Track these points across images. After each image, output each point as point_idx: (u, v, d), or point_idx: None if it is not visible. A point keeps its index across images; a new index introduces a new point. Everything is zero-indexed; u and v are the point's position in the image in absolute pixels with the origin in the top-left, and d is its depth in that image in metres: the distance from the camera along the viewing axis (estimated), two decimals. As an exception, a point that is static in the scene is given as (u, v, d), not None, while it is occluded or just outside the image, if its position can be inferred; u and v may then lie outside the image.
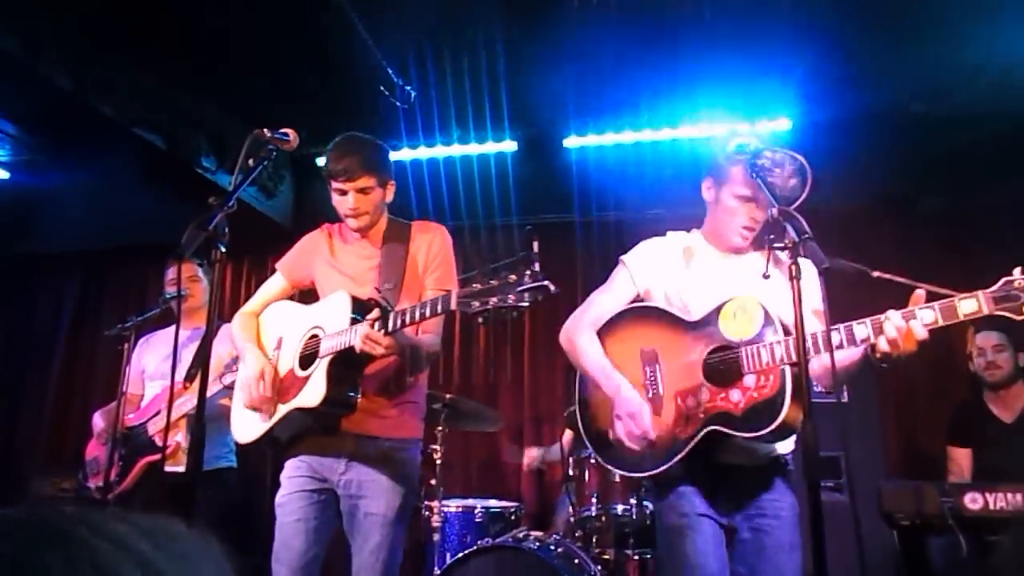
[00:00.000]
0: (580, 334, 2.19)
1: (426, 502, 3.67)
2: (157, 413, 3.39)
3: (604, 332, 2.18)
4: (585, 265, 5.19)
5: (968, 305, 1.69)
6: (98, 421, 3.69)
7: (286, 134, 2.11)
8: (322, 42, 3.81)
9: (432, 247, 2.42)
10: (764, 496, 2.00)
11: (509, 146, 4.80)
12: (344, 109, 4.22)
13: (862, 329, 1.75)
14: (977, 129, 4.12)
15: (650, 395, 2.02)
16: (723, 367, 1.94)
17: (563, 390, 5.10)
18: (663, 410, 1.99)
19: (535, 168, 4.87)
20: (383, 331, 2.05)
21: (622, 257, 2.26)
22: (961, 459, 3.68)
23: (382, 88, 4.05)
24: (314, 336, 2.29)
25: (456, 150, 4.85)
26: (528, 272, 1.76)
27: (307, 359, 2.27)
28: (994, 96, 3.90)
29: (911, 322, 1.69)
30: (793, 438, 1.94)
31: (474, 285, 1.83)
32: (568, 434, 4.44)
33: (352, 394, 2.21)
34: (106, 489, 3.39)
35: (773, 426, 1.77)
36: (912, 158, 4.45)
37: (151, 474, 3.42)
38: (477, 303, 1.81)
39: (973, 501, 2.70)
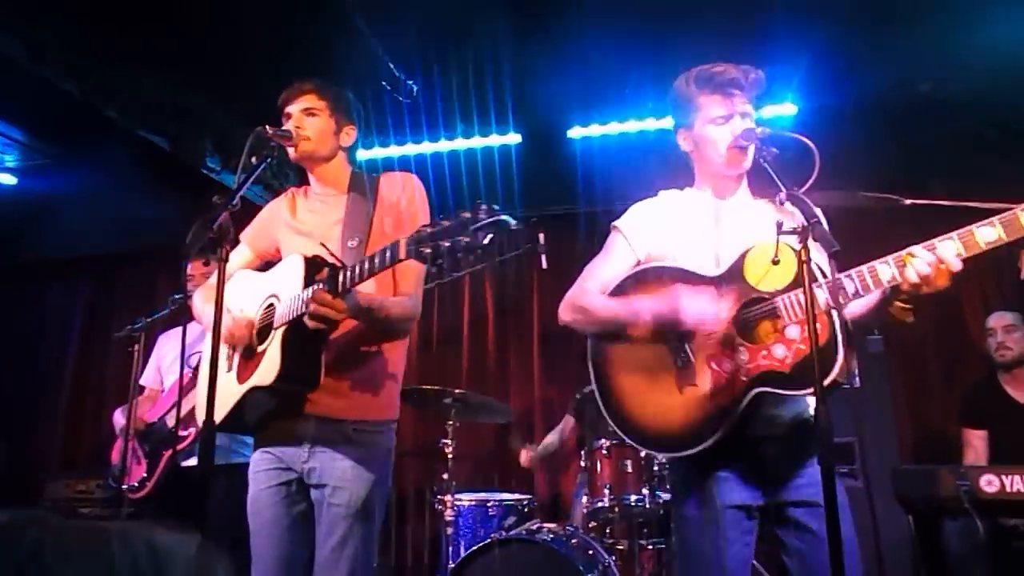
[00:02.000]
0: (585, 296, 1.96)
1: (439, 496, 3.68)
2: (175, 405, 3.40)
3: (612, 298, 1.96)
4: (590, 256, 5.17)
5: (986, 233, 1.53)
6: (119, 419, 3.72)
7: (287, 131, 2.10)
8: (324, 38, 3.79)
9: (401, 199, 2.16)
10: (802, 473, 1.80)
11: (513, 138, 4.78)
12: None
13: (886, 269, 1.58)
14: (985, 110, 4.07)
15: (680, 365, 1.81)
16: (758, 321, 1.75)
17: (574, 380, 5.10)
18: (698, 380, 1.78)
19: (539, 160, 4.85)
20: (332, 293, 1.81)
21: (615, 223, 2.06)
22: (977, 441, 3.65)
23: (385, 84, 4.04)
24: (270, 305, 2.04)
25: (460, 144, 4.84)
26: (483, 208, 1.53)
27: (263, 331, 2.03)
28: (1001, 77, 3.85)
29: (939, 251, 1.53)
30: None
31: (424, 228, 1.60)
32: (569, 420, 4.44)
33: (312, 369, 1.93)
34: (121, 489, 3.41)
35: (831, 377, 1.57)
36: (920, 140, 4.41)
37: (176, 468, 3.43)
38: (428, 248, 1.56)
39: (989, 484, 2.68)
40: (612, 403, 1.95)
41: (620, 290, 1.96)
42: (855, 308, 1.73)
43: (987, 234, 1.53)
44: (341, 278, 1.81)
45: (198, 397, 2.26)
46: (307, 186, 2.32)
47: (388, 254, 1.70)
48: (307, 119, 2.17)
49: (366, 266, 1.77)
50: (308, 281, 1.90)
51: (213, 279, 2.18)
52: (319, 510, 2.03)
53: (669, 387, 1.83)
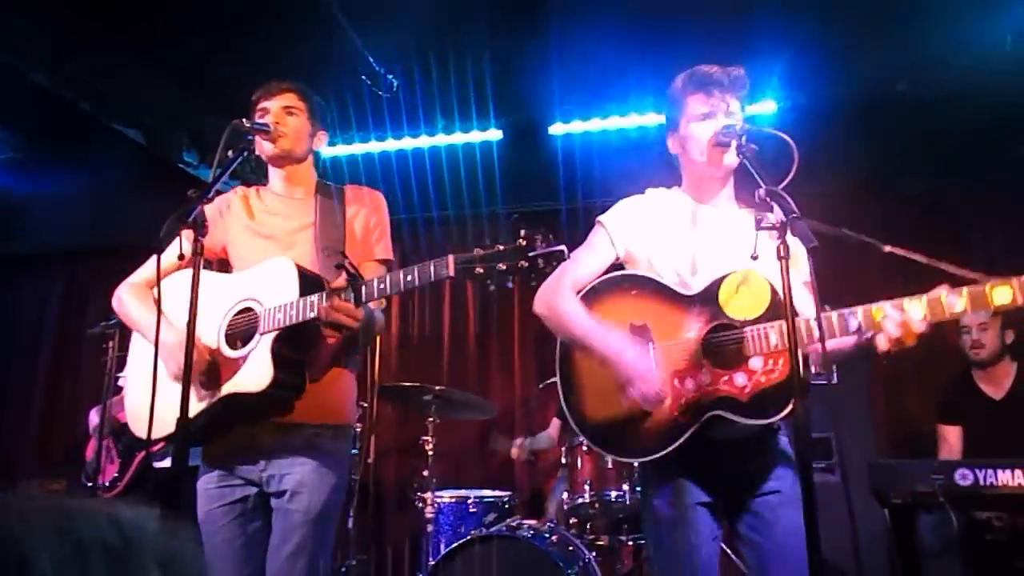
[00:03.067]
0: (560, 298, 1.94)
1: (419, 493, 3.67)
2: (152, 407, 3.36)
3: (586, 302, 1.95)
4: (571, 252, 5.18)
5: (1002, 294, 1.53)
6: (94, 418, 3.67)
7: (266, 124, 2.07)
8: (304, 31, 3.76)
9: (373, 214, 2.17)
10: (761, 470, 1.86)
11: (494, 135, 4.77)
12: (327, 99, 4.16)
13: (854, 320, 1.64)
14: (960, 109, 4.12)
15: (634, 402, 1.83)
16: (725, 348, 1.79)
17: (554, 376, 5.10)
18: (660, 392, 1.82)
19: (521, 156, 4.84)
20: (356, 302, 1.78)
21: (599, 217, 2.07)
22: (951, 436, 3.70)
23: (364, 78, 4.01)
24: (247, 310, 1.96)
25: (441, 139, 4.81)
26: (539, 237, 1.60)
27: (238, 336, 1.95)
28: (976, 76, 3.90)
29: (906, 316, 1.57)
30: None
31: (476, 250, 1.63)
32: (556, 422, 4.45)
33: (300, 376, 1.91)
34: (99, 486, 3.37)
35: (783, 414, 1.65)
36: (895, 139, 4.46)
37: (148, 470, 3.40)
38: (481, 269, 1.61)
39: (963, 477, 2.72)
40: (573, 402, 1.97)
41: (596, 292, 1.98)
42: (834, 344, 1.75)
43: (953, 303, 1.59)
44: (366, 288, 1.79)
45: (128, 410, 2.13)
46: (260, 186, 2.26)
47: (434, 271, 1.70)
48: (287, 117, 2.14)
49: (402, 281, 1.75)
50: (305, 289, 1.86)
51: (142, 273, 2.19)
52: (275, 517, 1.97)
53: (631, 396, 1.84)
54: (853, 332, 1.65)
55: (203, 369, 1.92)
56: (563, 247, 1.59)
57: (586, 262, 2.02)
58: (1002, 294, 1.54)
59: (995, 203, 4.57)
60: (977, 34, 3.79)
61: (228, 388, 1.90)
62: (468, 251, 1.64)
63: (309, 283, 1.89)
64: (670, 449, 1.79)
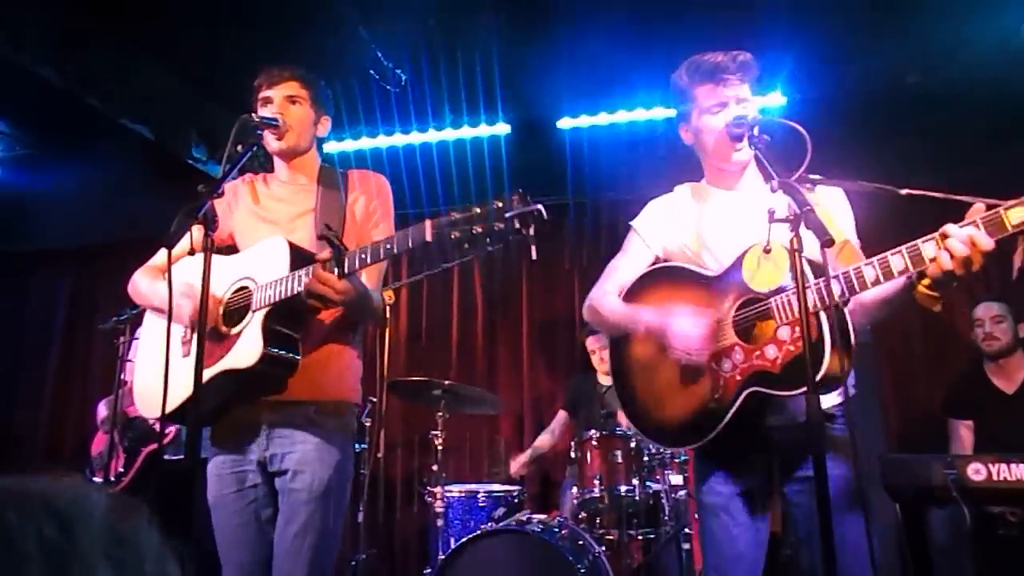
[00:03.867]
0: (603, 299, 2.04)
1: (428, 488, 3.68)
2: (164, 399, 3.38)
3: (627, 300, 2.02)
4: (579, 247, 5.18)
5: (1018, 213, 1.47)
6: (102, 411, 3.69)
7: (274, 119, 2.07)
8: (312, 26, 3.75)
9: (374, 195, 2.15)
10: (810, 456, 1.81)
11: (502, 129, 4.76)
12: (335, 93, 4.16)
13: (898, 260, 1.56)
14: (972, 101, 4.08)
15: (683, 363, 1.85)
16: (754, 322, 1.78)
17: (563, 371, 5.10)
18: (699, 377, 1.83)
19: (528, 151, 4.83)
20: (337, 272, 1.76)
21: (632, 223, 2.12)
22: (963, 431, 3.68)
23: (373, 72, 4.00)
24: (243, 288, 1.97)
25: (449, 134, 4.81)
26: (516, 197, 1.53)
27: (234, 314, 1.95)
28: (988, 68, 3.87)
29: (971, 233, 1.49)
30: (840, 390, 1.75)
31: (452, 213, 1.57)
32: (562, 414, 4.44)
33: (292, 352, 1.89)
34: (107, 482, 3.39)
35: (819, 375, 1.58)
36: (906, 131, 4.42)
37: (155, 464, 3.41)
38: (458, 232, 1.55)
39: (976, 472, 2.70)
40: (628, 400, 2.04)
41: (631, 293, 2.04)
42: (875, 294, 1.72)
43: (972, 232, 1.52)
44: (349, 258, 1.76)
45: (138, 388, 2.13)
46: (266, 173, 2.27)
47: (411, 238, 1.64)
48: (290, 107, 2.12)
49: (382, 249, 1.71)
50: (296, 264, 1.86)
51: (155, 260, 2.22)
52: (281, 497, 1.96)
53: (674, 384, 1.89)
54: (899, 273, 1.58)
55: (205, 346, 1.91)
56: (539, 206, 1.52)
57: (625, 268, 2.08)
58: (1018, 214, 1.48)
59: (1008, 195, 4.52)
60: (988, 25, 3.75)
61: (222, 364, 1.89)
62: (446, 213, 1.60)
63: (300, 259, 1.87)
64: (715, 433, 1.79)
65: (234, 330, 1.92)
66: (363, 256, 1.74)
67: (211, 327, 1.93)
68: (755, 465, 1.87)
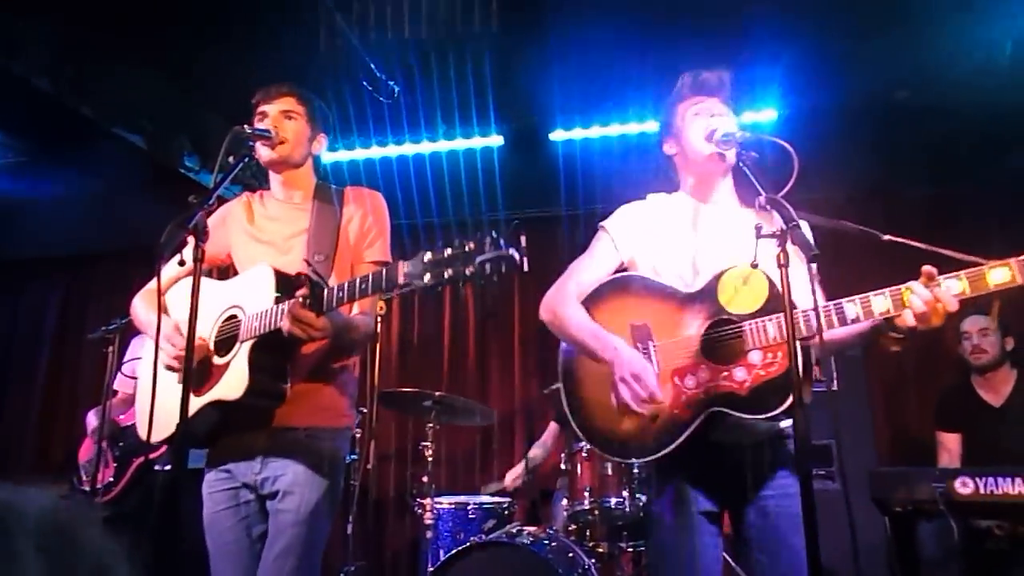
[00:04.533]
0: (564, 304, 1.99)
1: (419, 499, 3.66)
2: (151, 412, 3.37)
3: (588, 305, 1.98)
4: (571, 258, 5.18)
5: (1000, 274, 1.51)
6: (92, 420, 3.67)
7: (267, 130, 2.07)
8: (305, 37, 3.77)
9: (369, 215, 2.14)
10: (767, 475, 1.84)
11: (495, 140, 4.78)
12: (328, 104, 4.17)
13: (881, 301, 1.60)
14: (960, 116, 4.13)
15: (622, 403, 1.83)
16: (724, 343, 1.79)
17: (555, 382, 5.10)
18: (661, 391, 1.81)
19: (521, 162, 4.85)
20: (315, 310, 1.77)
21: (602, 223, 2.10)
22: (951, 444, 3.70)
23: (365, 83, 4.02)
24: (232, 317, 1.98)
25: (442, 145, 4.82)
26: (488, 241, 1.52)
27: (225, 343, 1.97)
28: (976, 83, 3.91)
29: (937, 291, 1.53)
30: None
31: (425, 256, 1.57)
32: (553, 427, 4.44)
33: (280, 383, 1.90)
34: (94, 491, 3.37)
35: (783, 407, 1.62)
36: (897, 146, 4.47)
37: (146, 474, 3.40)
38: (429, 276, 1.55)
39: (964, 486, 2.71)
40: (576, 405, 1.99)
41: (598, 295, 2.00)
42: (839, 332, 1.75)
43: (953, 286, 1.56)
44: (327, 296, 1.77)
45: (138, 411, 2.16)
46: (263, 191, 2.27)
47: (384, 279, 1.66)
48: (285, 121, 2.13)
49: (357, 289, 1.73)
50: (281, 295, 1.86)
51: (152, 284, 2.19)
52: (270, 519, 1.98)
53: (621, 399, 1.84)
54: (851, 321, 1.64)
55: (197, 374, 1.93)
56: (512, 252, 1.51)
57: (589, 268, 2.04)
58: (999, 274, 1.53)
59: (996, 210, 4.57)
60: (977, 41, 3.80)
61: (211, 395, 1.91)
62: (420, 252, 1.60)
63: (286, 287, 1.87)
64: (670, 448, 1.78)
65: (223, 360, 1.94)
66: (340, 294, 1.76)
67: (203, 356, 1.97)
68: (714, 483, 1.87)
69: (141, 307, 2.19)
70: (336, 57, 3.83)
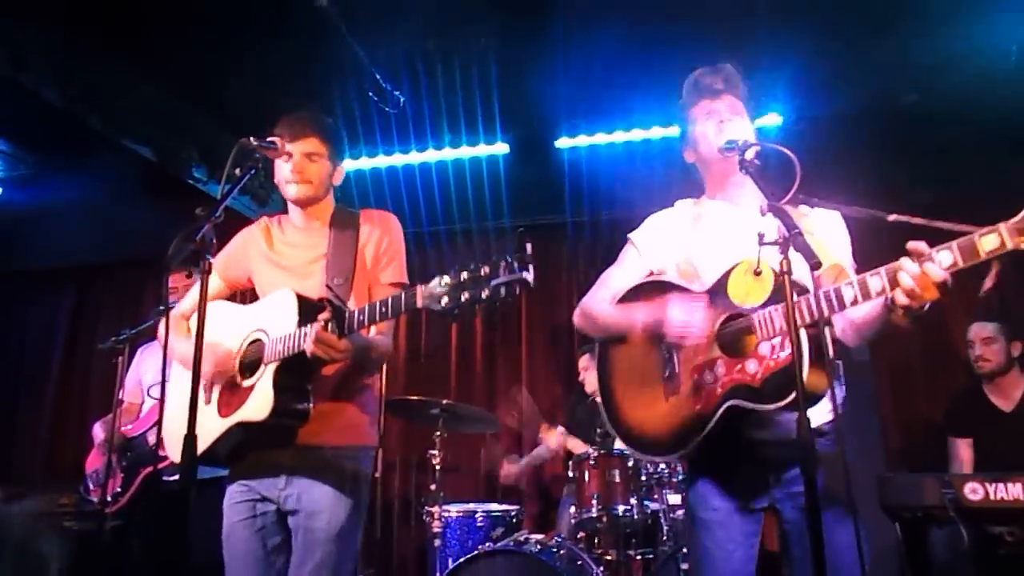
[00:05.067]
0: (597, 305, 2.08)
1: (426, 507, 3.66)
2: (157, 422, 3.38)
3: None
4: (577, 265, 5.19)
5: (990, 241, 1.50)
6: (98, 432, 3.69)
7: (273, 142, 2.09)
8: (311, 49, 3.80)
9: (384, 237, 2.21)
10: (798, 468, 1.79)
11: (501, 148, 4.80)
12: (334, 115, 4.21)
13: (876, 281, 1.59)
14: (966, 120, 4.12)
15: (667, 375, 1.90)
16: (736, 337, 1.82)
17: (562, 388, 5.10)
18: (682, 389, 1.87)
19: (527, 170, 4.86)
20: (337, 333, 1.85)
21: (630, 235, 2.15)
22: (962, 449, 3.68)
23: (371, 94, 4.04)
24: (256, 340, 2.05)
25: (448, 154, 4.84)
26: (503, 264, 1.58)
27: (249, 366, 2.04)
28: (982, 87, 3.90)
29: (926, 265, 1.53)
30: (826, 406, 1.74)
31: (443, 280, 1.64)
32: (560, 431, 4.42)
33: (303, 404, 1.98)
34: (104, 502, 3.38)
35: (793, 395, 1.60)
36: (903, 150, 4.46)
37: (153, 484, 3.41)
38: (447, 300, 1.62)
39: (974, 492, 2.69)
40: (610, 407, 2.06)
41: (624, 301, 2.05)
42: (863, 314, 1.77)
43: (944, 258, 1.54)
44: (348, 320, 1.84)
45: (166, 432, 2.21)
46: (282, 215, 2.32)
47: (404, 302, 1.74)
48: (309, 164, 2.18)
49: (377, 312, 1.80)
50: (303, 319, 1.92)
51: (182, 306, 2.31)
52: (296, 536, 2.03)
53: (657, 396, 1.92)
54: (850, 303, 1.62)
55: (222, 395, 2.05)
56: (527, 276, 1.57)
57: (619, 278, 2.10)
58: (989, 241, 1.51)
59: (1003, 214, 4.54)
60: (983, 46, 3.80)
61: (237, 416, 1.98)
62: (438, 276, 1.67)
63: (308, 311, 1.94)
64: (694, 444, 1.81)
65: (248, 382, 2.01)
66: (361, 318, 1.84)
67: (229, 379, 2.06)
68: (748, 480, 1.88)
69: (171, 331, 2.24)
70: (342, 68, 3.86)
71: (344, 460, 2.07)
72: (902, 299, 1.55)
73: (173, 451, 2.14)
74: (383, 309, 1.79)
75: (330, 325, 1.84)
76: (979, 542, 2.71)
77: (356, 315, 1.84)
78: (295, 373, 1.95)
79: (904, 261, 1.57)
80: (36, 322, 6.15)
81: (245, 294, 2.35)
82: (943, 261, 1.54)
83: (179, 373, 2.26)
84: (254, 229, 2.32)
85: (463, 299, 1.60)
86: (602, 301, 2.07)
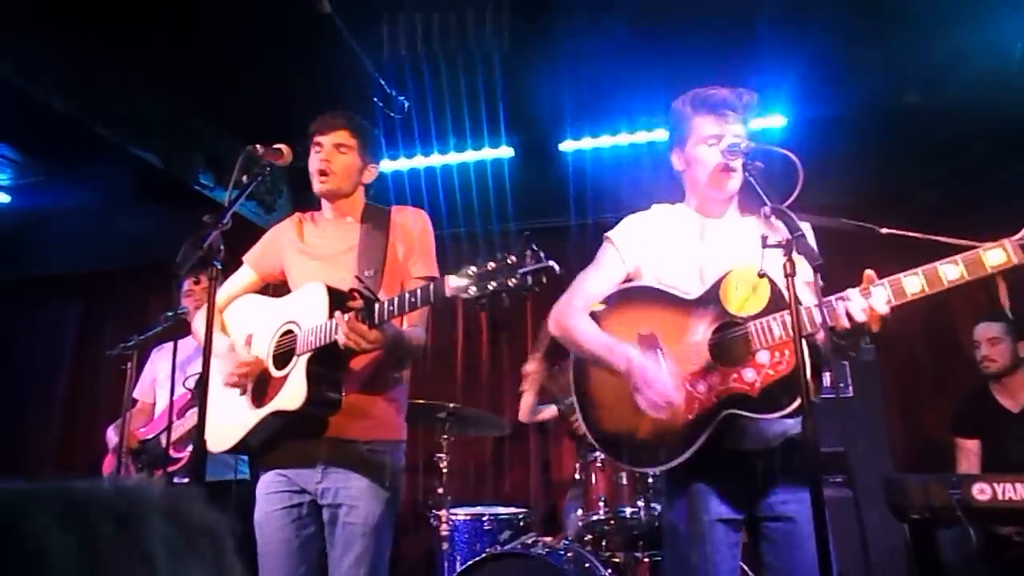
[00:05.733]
0: (573, 317, 2.01)
1: (434, 511, 3.67)
2: (170, 424, 3.40)
3: (596, 317, 2.01)
4: (582, 268, 5.18)
5: (996, 256, 1.52)
6: (112, 436, 3.71)
7: (279, 149, 2.11)
8: (316, 54, 3.82)
9: (414, 231, 2.25)
10: (783, 481, 1.83)
11: (505, 152, 4.81)
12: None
13: (881, 292, 1.61)
14: (970, 119, 4.11)
15: (644, 411, 1.83)
16: (731, 345, 1.80)
17: (568, 391, 5.09)
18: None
19: (532, 173, 4.87)
20: (368, 323, 1.88)
21: (607, 234, 2.11)
22: (969, 450, 3.66)
23: (376, 99, 4.06)
24: (288, 332, 2.10)
25: (453, 158, 4.86)
26: (529, 253, 1.62)
27: (282, 357, 2.09)
28: (986, 86, 3.90)
29: (869, 299, 1.56)
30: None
31: (470, 269, 1.67)
32: (552, 409, 4.36)
33: (335, 393, 2.03)
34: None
35: (795, 404, 1.61)
36: (906, 150, 4.45)
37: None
38: (475, 289, 1.65)
39: (981, 492, 2.69)
40: (591, 416, 1.99)
41: (608, 306, 2.02)
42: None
43: (951, 272, 1.55)
44: (378, 310, 1.87)
45: (210, 423, 2.25)
46: (315, 211, 2.38)
47: (433, 293, 1.77)
48: (337, 155, 2.23)
49: (407, 302, 1.84)
50: (334, 310, 1.96)
51: (218, 300, 2.29)
52: (332, 529, 2.07)
53: (641, 405, 1.85)
54: (886, 304, 1.63)
55: (255, 387, 2.10)
56: (552, 263, 1.62)
57: (596, 280, 2.05)
58: (995, 256, 1.53)
59: (1007, 214, 4.52)
60: (986, 44, 3.79)
61: (271, 406, 2.03)
62: (465, 267, 1.69)
63: (339, 302, 1.97)
64: (687, 455, 1.78)
65: (281, 373, 2.06)
66: (391, 308, 1.87)
67: (262, 371, 2.12)
68: (731, 491, 1.85)
69: (198, 328, 2.31)
70: (347, 74, 3.87)
71: (378, 455, 2.11)
72: (844, 323, 1.59)
73: (211, 442, 2.17)
74: (412, 299, 1.83)
75: (360, 315, 1.87)
76: (988, 543, 2.71)
77: (386, 305, 1.87)
78: (327, 363, 2.00)
79: (850, 292, 1.60)
80: (44, 328, 6.18)
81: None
82: (948, 274, 1.55)
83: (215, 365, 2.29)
84: (287, 223, 2.38)
85: (490, 288, 1.63)
86: (577, 312, 2.02)
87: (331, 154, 2.22)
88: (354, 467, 2.07)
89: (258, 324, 2.18)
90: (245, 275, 2.37)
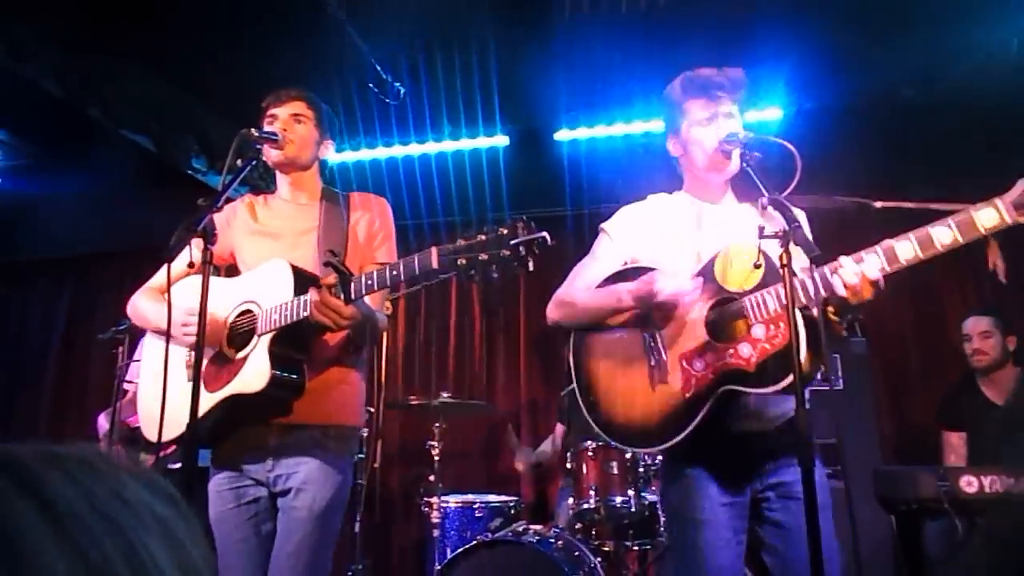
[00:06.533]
0: (572, 293, 2.02)
1: (425, 498, 3.68)
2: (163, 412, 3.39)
3: None
4: (576, 258, 5.18)
5: (988, 216, 1.47)
6: (103, 423, 3.69)
7: (274, 133, 2.09)
8: (311, 39, 3.79)
9: (376, 218, 2.19)
10: (784, 461, 1.81)
11: (500, 140, 4.79)
12: (334, 106, 4.19)
13: (873, 259, 1.62)
14: (967, 114, 4.12)
15: (653, 363, 1.85)
16: (727, 321, 1.79)
17: (560, 381, 5.11)
18: (669, 377, 1.82)
19: (527, 162, 4.86)
20: (343, 298, 1.79)
21: (602, 225, 2.10)
22: (956, 443, 3.69)
23: (371, 85, 4.04)
24: (246, 312, 2.00)
25: (447, 146, 4.84)
26: (520, 224, 1.57)
27: (239, 338, 1.98)
28: (983, 80, 3.90)
29: (861, 265, 1.56)
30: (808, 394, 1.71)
31: (458, 241, 1.61)
32: (560, 428, 4.46)
33: (299, 375, 1.93)
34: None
35: (791, 378, 1.58)
36: (902, 144, 4.46)
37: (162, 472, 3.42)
38: (464, 259, 1.59)
39: (968, 484, 2.71)
40: (589, 399, 1.98)
41: (602, 287, 2.00)
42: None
43: (943, 235, 1.53)
44: (355, 284, 1.79)
45: (141, 412, 2.15)
46: (267, 194, 2.31)
47: (418, 265, 1.68)
48: (295, 124, 2.17)
49: (388, 275, 1.75)
50: (300, 288, 1.88)
51: (155, 281, 2.23)
52: (280, 516, 1.99)
53: (643, 384, 1.87)
54: (880, 271, 1.63)
55: (208, 371, 1.97)
56: (544, 233, 1.56)
57: (592, 270, 2.04)
58: (987, 216, 1.49)
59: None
60: (984, 39, 3.79)
61: (230, 389, 1.92)
62: (456, 241, 1.64)
63: (304, 282, 1.90)
64: (686, 432, 1.77)
65: (239, 355, 1.95)
66: (369, 282, 1.78)
67: (216, 351, 1.98)
68: (732, 473, 1.84)
69: (143, 302, 2.20)
70: (342, 59, 3.85)
71: (331, 440, 2.03)
72: (840, 291, 1.59)
73: (149, 431, 2.08)
74: (394, 272, 1.74)
75: (335, 290, 1.79)
76: (974, 534, 2.74)
77: (363, 280, 1.79)
78: (292, 343, 1.91)
79: (844, 259, 1.60)
80: (35, 312, 6.15)
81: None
82: (942, 238, 1.53)
83: (154, 346, 2.20)
84: (237, 205, 2.27)
85: (480, 259, 1.57)
86: (579, 290, 2.02)
87: (288, 123, 2.15)
88: (304, 452, 1.98)
89: (210, 305, 2.05)
90: (192, 256, 2.26)
